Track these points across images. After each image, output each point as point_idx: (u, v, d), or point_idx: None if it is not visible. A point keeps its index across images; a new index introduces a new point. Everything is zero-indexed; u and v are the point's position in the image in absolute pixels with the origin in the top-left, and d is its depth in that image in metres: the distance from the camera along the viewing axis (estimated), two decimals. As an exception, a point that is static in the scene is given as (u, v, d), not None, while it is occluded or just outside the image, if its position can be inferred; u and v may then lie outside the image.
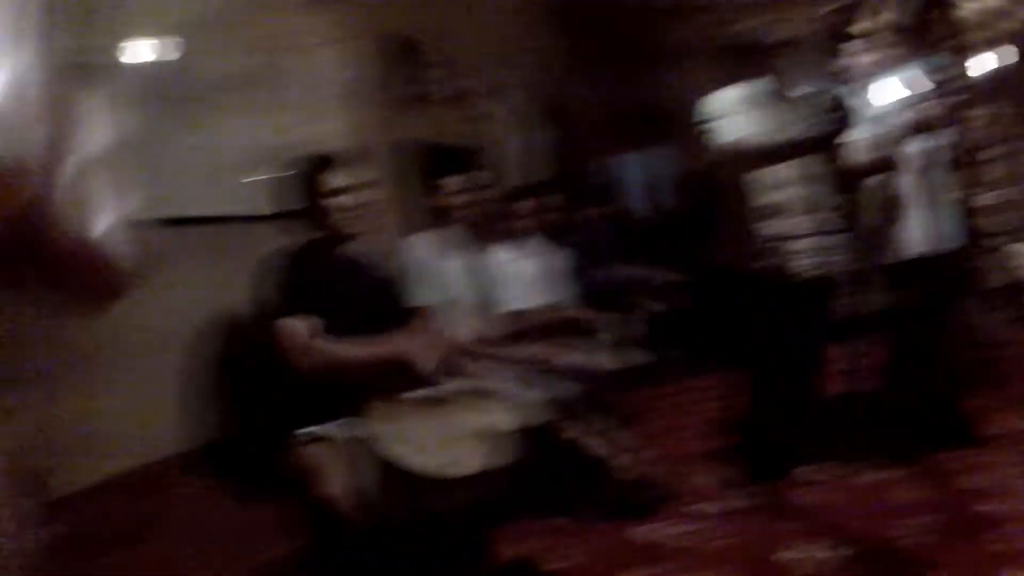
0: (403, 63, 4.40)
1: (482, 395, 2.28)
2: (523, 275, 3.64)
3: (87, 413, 2.25)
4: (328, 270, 2.16)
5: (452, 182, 3.06)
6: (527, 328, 3.31)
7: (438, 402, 2.08)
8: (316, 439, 1.96)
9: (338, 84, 3.87)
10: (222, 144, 3.03)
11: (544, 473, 2.63)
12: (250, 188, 3.02)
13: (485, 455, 1.88)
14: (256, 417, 2.26)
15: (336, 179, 2.20)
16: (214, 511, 2.15)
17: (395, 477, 1.76)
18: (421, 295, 2.78)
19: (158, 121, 2.68)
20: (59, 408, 2.15)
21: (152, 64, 2.78)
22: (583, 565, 2.33)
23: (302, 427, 2.01)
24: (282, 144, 3.21)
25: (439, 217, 3.07)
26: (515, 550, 2.34)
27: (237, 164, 3.09)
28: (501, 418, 2.13)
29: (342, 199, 2.18)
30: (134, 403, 2.40)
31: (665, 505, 2.67)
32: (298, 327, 2.02)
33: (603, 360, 3.26)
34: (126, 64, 2.67)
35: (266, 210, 2.43)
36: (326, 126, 3.67)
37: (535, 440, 2.35)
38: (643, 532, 2.49)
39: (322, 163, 2.26)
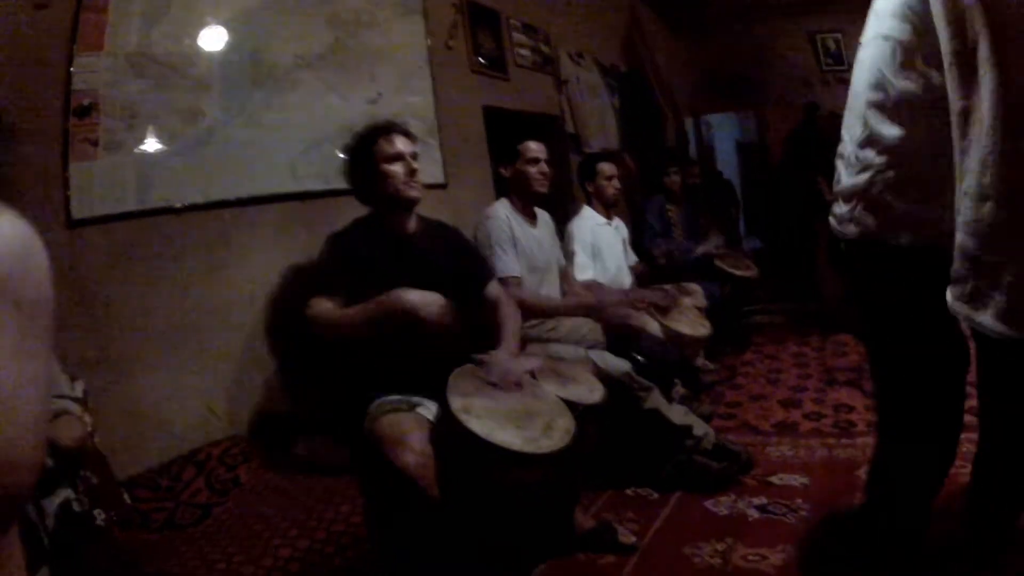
0: (482, 31, 4.39)
1: (566, 367, 2.32)
2: (605, 243, 3.64)
3: (159, 392, 2.32)
4: (373, 247, 2.18)
5: (534, 147, 3.05)
6: (615, 296, 3.34)
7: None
8: (395, 409, 1.97)
9: (417, 57, 3.82)
10: (297, 123, 3.03)
11: (626, 443, 2.68)
12: (326, 165, 3.05)
13: (569, 430, 1.86)
14: (333, 388, 2.34)
15: (394, 145, 2.26)
16: (285, 484, 2.22)
17: (477, 451, 1.73)
18: (502, 265, 2.85)
19: (233, 105, 2.75)
20: (130, 389, 2.24)
21: (226, 49, 2.77)
22: (662, 536, 2.33)
23: (380, 397, 2.02)
24: (359, 121, 3.33)
25: (518, 185, 3.07)
26: (594, 520, 2.37)
27: (313, 142, 3.10)
28: (586, 390, 2.17)
29: (397, 165, 2.24)
30: (208, 381, 2.48)
31: (747, 476, 2.65)
32: (324, 304, 2.07)
33: (689, 327, 3.27)
34: (200, 51, 2.67)
35: (340, 185, 2.49)
36: (406, 99, 3.66)
37: (617, 410, 2.38)
38: (724, 503, 2.48)
39: (380, 129, 2.32)
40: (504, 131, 4.35)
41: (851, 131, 1.64)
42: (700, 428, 2.71)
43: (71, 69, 2.25)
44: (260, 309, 2.65)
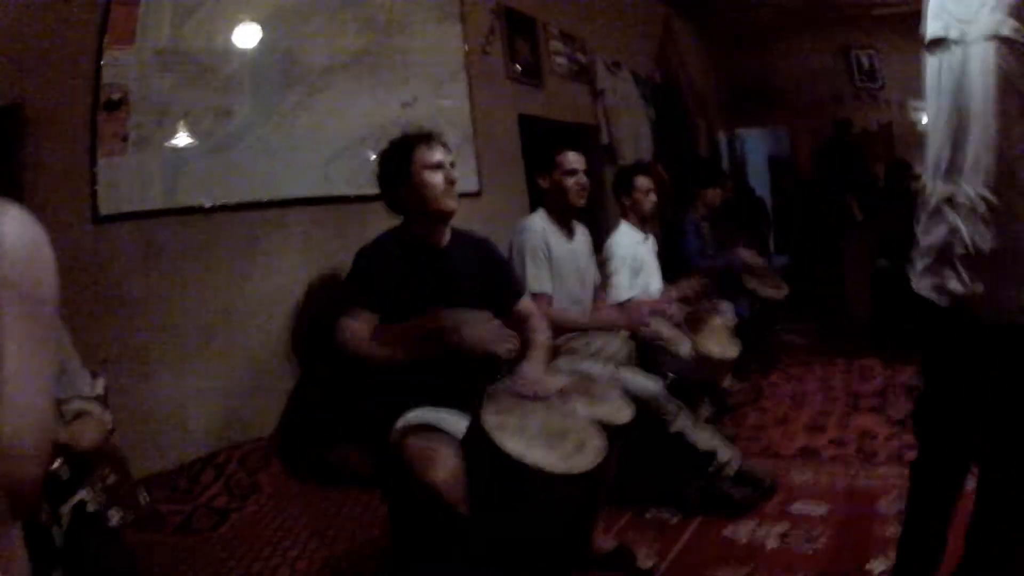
0: (520, 38, 4.37)
1: (596, 386, 2.28)
2: (643, 259, 3.61)
3: (181, 392, 2.31)
4: (405, 261, 2.14)
5: (572, 158, 3.00)
6: (645, 312, 3.31)
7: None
8: (423, 425, 1.94)
9: (453, 62, 3.78)
10: (329, 125, 3.00)
11: (649, 463, 2.65)
12: (358, 169, 3.03)
13: (599, 450, 1.83)
14: (363, 399, 2.27)
15: (434, 154, 2.20)
16: (306, 492, 2.21)
17: (509, 469, 1.71)
18: (535, 281, 2.82)
19: (265, 105, 2.74)
20: (152, 388, 2.23)
21: (259, 48, 2.75)
22: (681, 562, 2.32)
23: (408, 410, 1.99)
24: (393, 124, 3.20)
25: (554, 197, 3.01)
26: (614, 541, 2.35)
27: (345, 145, 3.08)
28: (615, 410, 2.12)
29: (437, 175, 2.18)
30: (231, 383, 2.47)
31: (768, 502, 2.62)
32: (354, 325, 2.03)
33: (719, 348, 3.22)
34: (232, 49, 2.65)
35: (374, 190, 2.39)
36: (441, 104, 3.63)
37: (643, 432, 2.34)
38: (744, 530, 2.46)
39: (419, 137, 2.25)
40: (538, 140, 4.35)
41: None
42: (725, 453, 2.67)
43: (101, 63, 2.23)
44: (286, 313, 2.65)
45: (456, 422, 1.97)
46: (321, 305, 2.70)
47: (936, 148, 1.49)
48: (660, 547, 2.40)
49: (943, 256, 1.46)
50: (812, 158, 5.99)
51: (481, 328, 1.97)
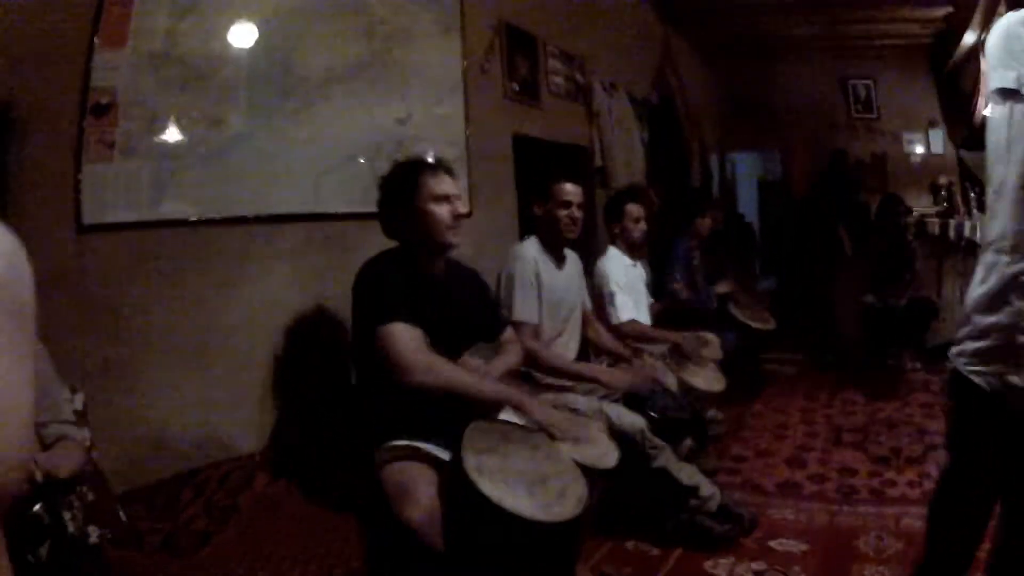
0: (519, 56, 4.37)
1: (583, 427, 2.26)
2: (631, 286, 3.62)
3: (162, 408, 2.26)
4: (404, 284, 2.08)
5: (568, 189, 2.99)
6: (630, 344, 3.32)
7: (537, 433, 2.00)
8: (404, 456, 1.92)
9: (451, 77, 3.72)
10: (324, 138, 2.92)
11: (631, 495, 2.65)
12: (350, 185, 2.98)
13: (582, 498, 1.80)
14: (343, 422, 2.29)
15: (441, 185, 2.16)
16: (287, 517, 2.18)
17: (487, 512, 1.67)
18: (521, 309, 2.81)
19: (259, 114, 2.66)
20: (133, 402, 2.18)
21: (256, 54, 2.67)
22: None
23: (390, 439, 1.97)
24: (387, 140, 3.22)
25: (547, 226, 3.01)
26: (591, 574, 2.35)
27: (339, 160, 3.01)
28: (601, 454, 2.10)
29: (443, 208, 2.13)
30: (214, 400, 2.42)
31: (748, 537, 2.63)
32: (411, 334, 1.96)
33: (704, 382, 3.23)
34: (228, 54, 2.57)
35: (367, 208, 2.37)
36: (437, 121, 3.58)
37: (627, 466, 2.33)
38: (722, 565, 2.46)
39: (426, 165, 2.21)
40: (531, 161, 4.35)
41: None
42: (707, 489, 2.68)
43: (91, 64, 2.13)
44: (272, 331, 2.61)
45: (437, 451, 1.95)
46: (308, 326, 2.68)
47: (1006, 214, 1.35)
48: (638, 581, 2.39)
49: (1006, 342, 1.34)
50: (808, 187, 6.03)
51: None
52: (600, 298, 3.47)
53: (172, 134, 2.36)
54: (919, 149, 5.55)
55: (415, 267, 2.16)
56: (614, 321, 3.41)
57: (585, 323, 3.21)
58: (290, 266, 2.72)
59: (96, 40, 2.15)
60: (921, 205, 5.25)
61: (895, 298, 4.50)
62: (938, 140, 5.43)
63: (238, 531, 2.05)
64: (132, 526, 1.92)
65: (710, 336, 3.62)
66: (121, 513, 1.90)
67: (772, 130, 6.55)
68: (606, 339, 3.27)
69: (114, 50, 2.19)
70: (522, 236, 4.06)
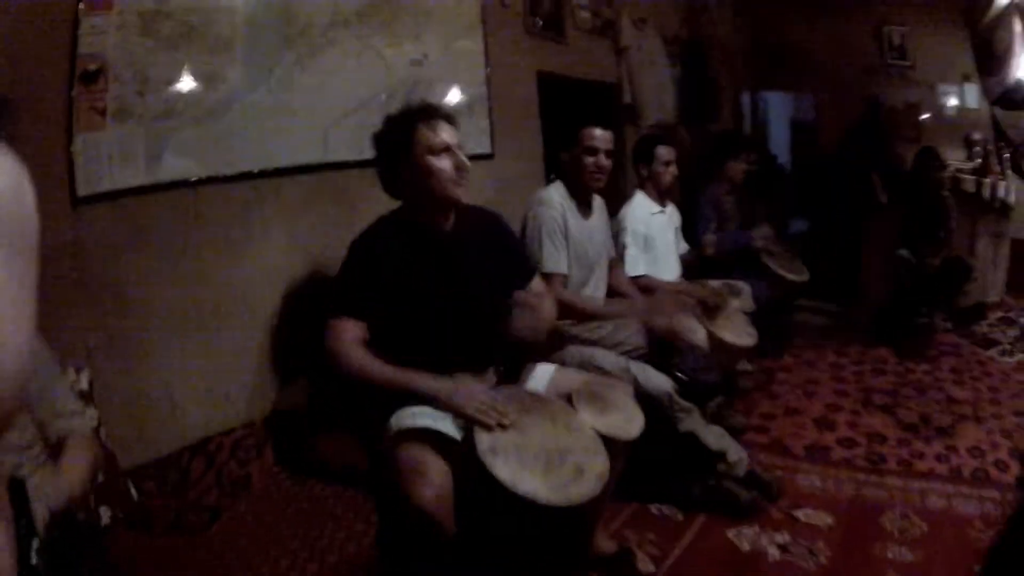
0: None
1: (608, 390, 2.17)
2: (657, 233, 3.47)
3: (169, 378, 2.21)
4: (405, 252, 1.97)
5: (596, 135, 2.81)
6: (664, 297, 3.19)
7: (556, 401, 1.93)
8: (415, 431, 1.81)
9: (469, 14, 3.52)
10: (332, 87, 2.79)
11: (657, 460, 2.57)
12: (363, 134, 2.89)
13: (602, 474, 1.73)
14: (358, 391, 2.09)
15: (438, 134, 1.97)
16: (298, 491, 2.14)
17: (499, 494, 1.60)
18: (549, 259, 2.69)
19: (259, 68, 2.53)
20: (139, 376, 2.13)
21: (253, 4, 2.51)
22: (682, 562, 2.30)
23: (402, 406, 1.86)
24: (402, 85, 3.10)
25: (573, 173, 2.84)
26: (615, 543, 2.29)
27: (349, 109, 2.87)
28: (625, 421, 2.03)
29: (444, 160, 1.96)
30: (223, 367, 2.37)
31: (774, 502, 2.58)
32: (349, 333, 1.88)
33: (734, 335, 3.12)
34: (223, 5, 2.41)
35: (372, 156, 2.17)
36: (455, 62, 3.41)
37: (652, 428, 2.24)
38: (747, 535, 2.42)
39: (420, 113, 2.01)
40: (557, 99, 4.17)
41: None
42: (734, 453, 2.61)
43: (77, 32, 2.01)
44: (280, 291, 2.53)
45: (450, 422, 1.83)
46: (317, 284, 2.58)
47: None
48: (662, 545, 2.37)
49: None
50: (841, 133, 5.78)
51: (479, 400, 1.79)
52: (618, 247, 3.33)
53: (167, 94, 2.23)
54: (953, 101, 5.30)
55: (418, 228, 2.01)
56: (621, 276, 3.28)
57: (610, 270, 3.09)
58: (299, 219, 2.61)
59: (81, 6, 2.01)
60: (954, 159, 5.01)
61: (930, 256, 4.33)
62: (973, 95, 5.17)
63: (249, 506, 2.01)
64: (143, 504, 1.87)
65: (741, 285, 3.48)
66: (133, 491, 1.85)
67: (804, 72, 6.24)
68: (626, 287, 3.16)
69: (101, 13, 2.06)
70: (548, 180, 3.94)
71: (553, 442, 1.77)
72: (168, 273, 2.20)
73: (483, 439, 1.68)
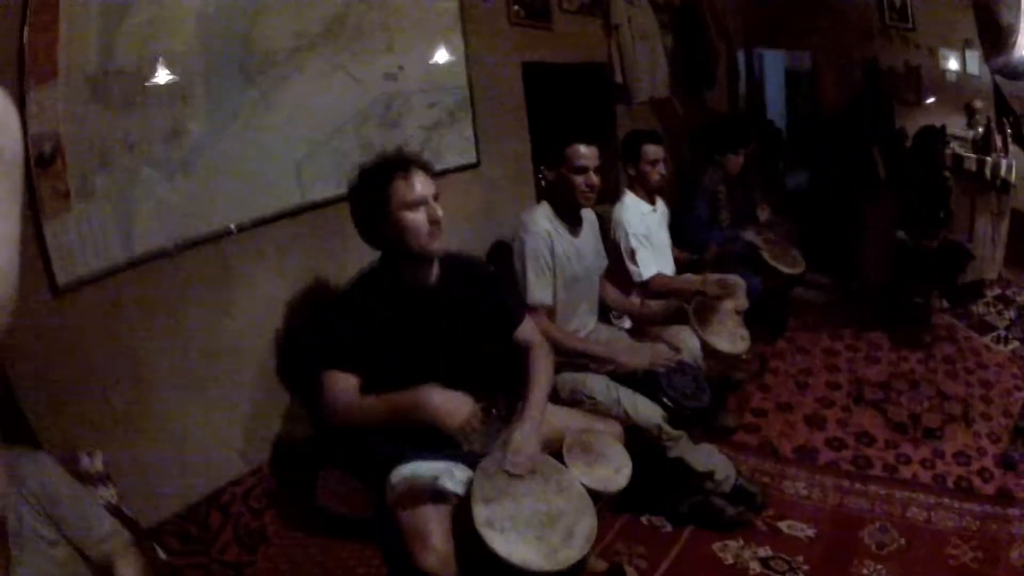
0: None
1: (597, 438, 2.23)
2: (651, 235, 3.45)
3: (172, 441, 2.25)
4: (388, 307, 2.00)
5: (584, 152, 2.75)
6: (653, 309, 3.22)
7: (545, 460, 2.00)
8: (418, 492, 1.91)
9: (446, 14, 3.34)
10: (301, 118, 2.66)
11: (645, 475, 2.64)
12: (337, 164, 2.76)
13: (591, 534, 1.84)
14: (357, 439, 2.19)
15: (413, 188, 1.97)
16: (310, 543, 2.23)
17: (496, 562, 1.71)
18: (535, 291, 2.68)
19: (222, 112, 2.42)
20: (147, 441, 2.17)
21: (208, 42, 2.34)
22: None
23: (404, 459, 1.96)
24: (378, 100, 2.99)
25: (561, 193, 2.80)
26: (607, 562, 2.37)
27: (320, 139, 2.76)
28: (614, 471, 2.11)
29: (419, 214, 1.97)
30: (222, 420, 2.42)
31: (759, 514, 2.67)
32: (340, 384, 1.93)
33: (728, 342, 3.14)
34: (176, 51, 2.26)
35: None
36: (433, 68, 3.30)
37: (641, 455, 2.30)
38: (731, 548, 2.51)
39: (393, 165, 2.00)
40: (544, 87, 4.08)
41: None
42: (721, 472, 2.67)
43: (24, 112, 1.87)
44: (270, 339, 2.57)
45: (454, 472, 1.94)
46: (308, 323, 2.61)
47: None
48: (650, 561, 2.48)
49: None
50: (841, 100, 5.65)
51: (462, 412, 1.83)
52: (620, 252, 3.32)
53: (128, 161, 2.13)
54: (954, 66, 5.15)
55: (400, 281, 2.04)
56: (637, 279, 3.28)
57: (602, 285, 3.10)
58: (280, 267, 2.62)
59: (25, 81, 1.88)
60: (954, 125, 4.89)
61: (928, 237, 4.29)
62: (974, 62, 5.02)
63: (267, 561, 2.12)
64: (171, 566, 1.97)
65: (735, 279, 3.46)
66: (159, 552, 1.94)
67: (802, 31, 6.06)
68: (614, 297, 3.19)
69: (47, 86, 1.94)
70: (536, 178, 3.89)
71: (544, 506, 1.88)
72: (157, 344, 2.22)
73: (480, 512, 1.78)
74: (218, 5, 2.39)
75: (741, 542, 2.54)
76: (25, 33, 1.87)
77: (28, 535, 1.43)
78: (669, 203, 3.75)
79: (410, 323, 2.02)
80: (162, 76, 2.22)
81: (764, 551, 2.49)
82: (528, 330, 2.32)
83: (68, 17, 1.96)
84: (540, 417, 2.11)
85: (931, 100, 5.14)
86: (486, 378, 2.18)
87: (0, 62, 1.82)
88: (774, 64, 6.85)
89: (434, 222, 1.99)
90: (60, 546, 1.49)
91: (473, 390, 1.99)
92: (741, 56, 6.31)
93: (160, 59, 2.22)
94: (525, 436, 2.02)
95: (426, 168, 2.06)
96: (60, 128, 1.96)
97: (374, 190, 2.01)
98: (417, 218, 1.98)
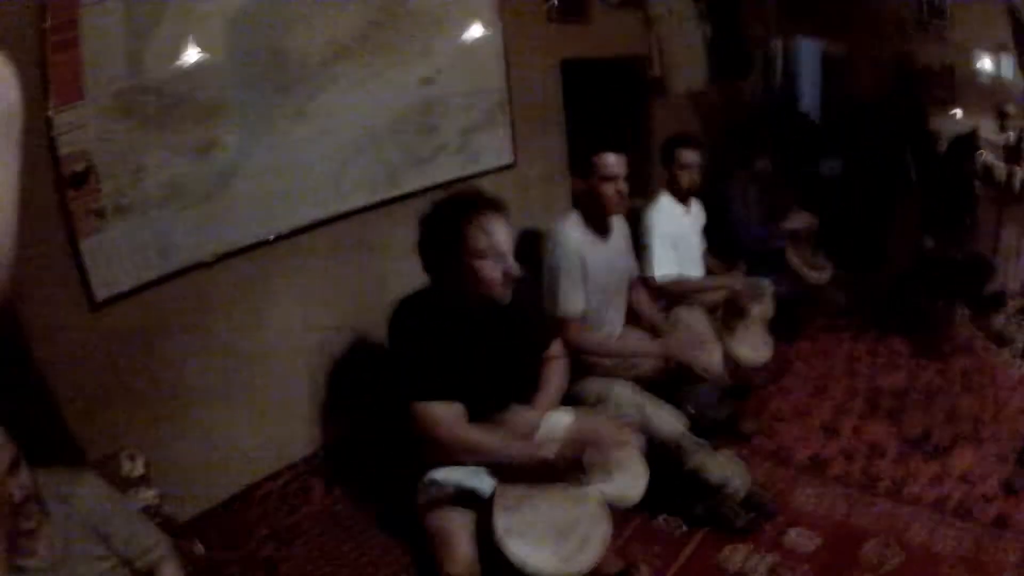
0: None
1: (612, 460, 2.36)
2: (681, 235, 3.53)
3: (210, 443, 2.35)
4: (443, 333, 2.05)
5: (612, 162, 2.83)
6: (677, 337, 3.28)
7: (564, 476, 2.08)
8: (445, 498, 2.06)
9: (483, 15, 3.35)
10: (337, 127, 2.69)
11: (661, 486, 2.77)
12: (376, 172, 2.81)
13: (605, 540, 1.96)
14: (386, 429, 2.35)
15: (490, 236, 1.97)
16: (347, 536, 2.38)
17: (516, 569, 1.84)
18: (565, 303, 2.79)
19: (256, 123, 2.43)
20: (182, 446, 2.27)
21: (239, 54, 2.36)
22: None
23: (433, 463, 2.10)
24: (411, 110, 3.04)
25: (590, 202, 2.89)
26: (621, 562, 2.48)
27: (357, 147, 2.77)
28: (630, 482, 2.22)
29: (496, 269, 1.99)
30: (262, 423, 2.52)
31: (769, 520, 2.78)
32: (449, 413, 2.01)
33: (752, 350, 3.24)
34: (206, 65, 2.26)
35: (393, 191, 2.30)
36: (470, 72, 3.33)
37: (659, 465, 2.44)
38: (738, 555, 2.63)
39: (471, 206, 2.00)
40: (582, 83, 4.12)
41: None
42: (735, 482, 2.75)
43: (52, 134, 1.89)
44: (304, 345, 2.66)
45: (482, 479, 2.07)
46: (345, 331, 2.74)
47: None
48: (663, 562, 2.61)
49: None
50: (875, 97, 5.57)
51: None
52: (645, 250, 3.41)
53: (163, 177, 2.15)
54: (987, 67, 5.05)
55: (452, 309, 2.10)
56: (649, 274, 3.36)
57: (631, 288, 3.21)
58: (321, 275, 2.70)
59: (51, 103, 1.88)
60: (985, 130, 4.82)
61: (954, 244, 4.30)
62: (1008, 66, 4.93)
63: (304, 555, 2.26)
64: (209, 558, 2.11)
65: (764, 285, 3.52)
66: (199, 546, 2.09)
67: (837, 23, 5.97)
68: (645, 307, 3.29)
69: (73, 106, 1.93)
70: (572, 171, 3.94)
71: (562, 515, 2.00)
72: (197, 356, 2.30)
73: (500, 521, 1.91)
74: (247, 18, 2.37)
75: (750, 547, 2.65)
76: (47, 53, 1.86)
77: (77, 554, 1.50)
78: (704, 200, 3.80)
79: (482, 344, 2.13)
80: (194, 90, 2.22)
81: (772, 558, 2.59)
82: (556, 348, 2.48)
83: (91, 34, 1.96)
84: (546, 408, 2.28)
85: (958, 112, 5.08)
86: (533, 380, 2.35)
87: (26, 84, 1.92)
88: (809, 50, 6.75)
89: (508, 276, 2.02)
90: (108, 560, 1.58)
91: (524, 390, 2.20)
92: (778, 44, 6.25)
93: (191, 73, 2.21)
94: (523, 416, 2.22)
95: (501, 209, 2.04)
96: (91, 148, 1.98)
97: (447, 231, 2.01)
98: (493, 272, 1.99)
